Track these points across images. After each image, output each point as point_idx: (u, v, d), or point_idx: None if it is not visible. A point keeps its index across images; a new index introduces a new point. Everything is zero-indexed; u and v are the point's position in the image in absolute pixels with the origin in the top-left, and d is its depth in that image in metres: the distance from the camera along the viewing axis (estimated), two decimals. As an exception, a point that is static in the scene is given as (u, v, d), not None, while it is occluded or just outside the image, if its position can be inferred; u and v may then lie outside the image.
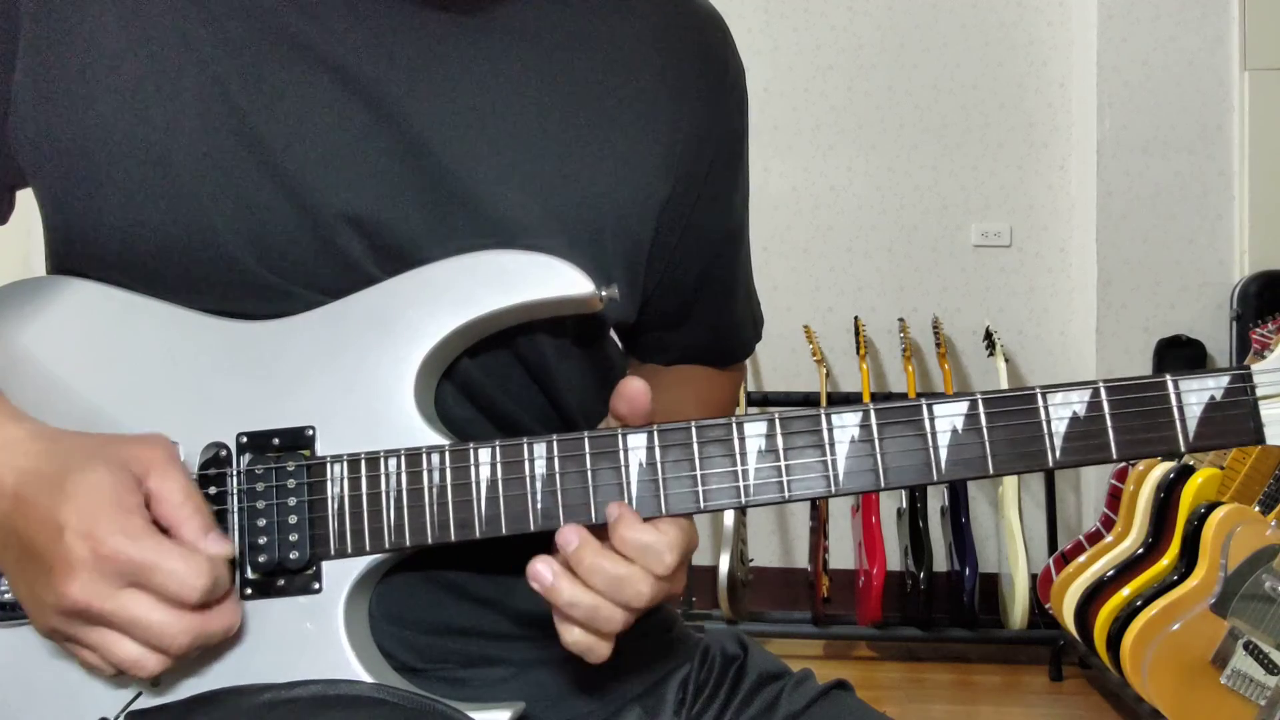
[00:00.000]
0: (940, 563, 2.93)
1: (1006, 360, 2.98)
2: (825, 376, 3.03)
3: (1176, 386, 0.60)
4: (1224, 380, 0.60)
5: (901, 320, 3.13)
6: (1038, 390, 0.60)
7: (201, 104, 0.64)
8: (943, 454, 0.59)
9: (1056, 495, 2.99)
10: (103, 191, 0.64)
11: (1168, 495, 2.18)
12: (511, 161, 0.67)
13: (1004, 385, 2.87)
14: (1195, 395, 0.59)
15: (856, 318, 3.16)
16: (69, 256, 0.69)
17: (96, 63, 0.64)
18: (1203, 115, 2.96)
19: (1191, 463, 2.29)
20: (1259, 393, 0.59)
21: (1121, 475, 2.40)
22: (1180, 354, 2.94)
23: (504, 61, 0.68)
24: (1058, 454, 0.60)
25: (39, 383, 0.65)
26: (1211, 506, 2.05)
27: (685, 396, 0.84)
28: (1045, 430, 0.60)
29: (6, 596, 0.61)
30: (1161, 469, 2.24)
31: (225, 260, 0.64)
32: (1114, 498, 2.41)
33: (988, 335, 3.04)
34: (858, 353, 3.09)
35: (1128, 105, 2.97)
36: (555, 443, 0.61)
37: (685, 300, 0.81)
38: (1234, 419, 0.60)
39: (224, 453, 0.63)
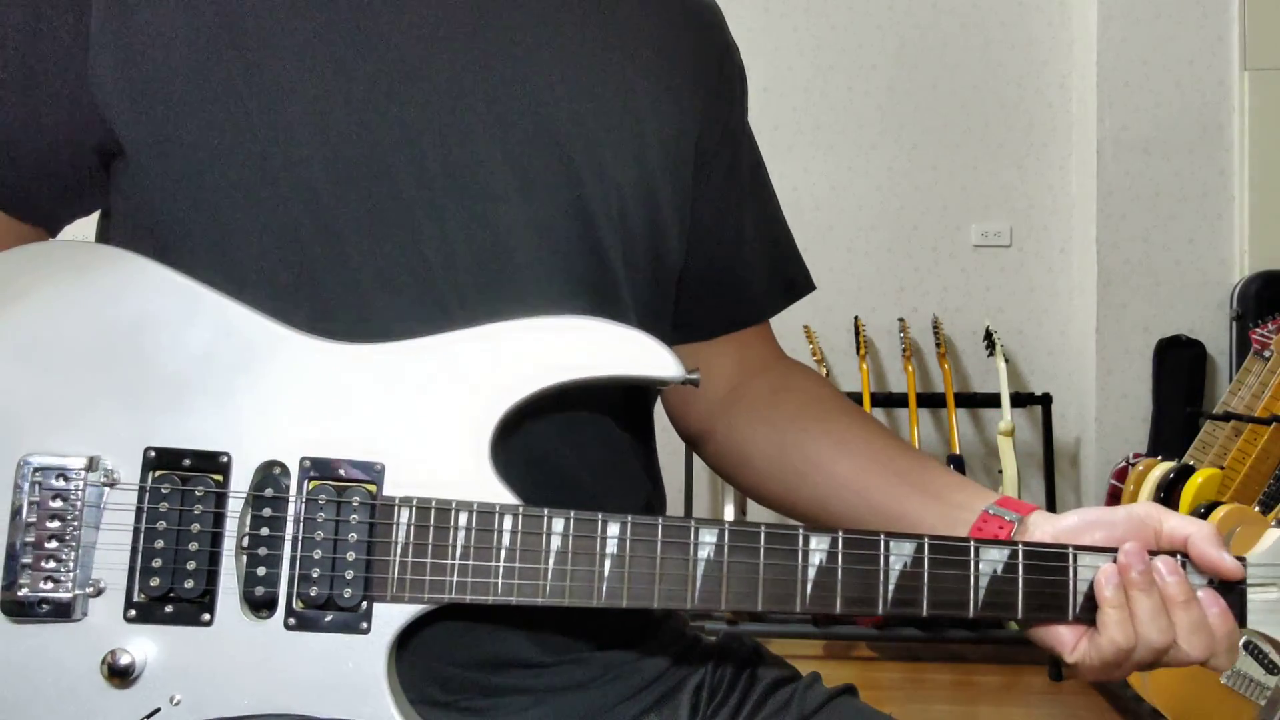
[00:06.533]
0: (940, 562, 2.92)
1: (1006, 360, 2.99)
2: (825, 377, 3.04)
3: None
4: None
5: (901, 320, 3.13)
6: (1070, 549, 0.64)
7: (317, 119, 0.64)
8: (981, 595, 0.63)
9: (1056, 495, 2.99)
10: (206, 192, 0.64)
11: (1168, 495, 2.18)
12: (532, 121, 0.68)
13: (1004, 385, 2.88)
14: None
15: (856, 318, 3.16)
16: (141, 241, 0.65)
17: (184, 61, 0.63)
18: (1203, 115, 2.97)
19: (1191, 462, 2.29)
20: (1249, 580, 0.63)
21: (1121, 475, 2.40)
22: (1180, 354, 2.94)
23: (525, 30, 0.69)
24: (1078, 610, 0.63)
25: (71, 358, 0.61)
26: (1211, 506, 2.05)
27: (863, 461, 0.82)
28: (1071, 588, 0.63)
29: (21, 593, 0.59)
30: (1161, 469, 2.24)
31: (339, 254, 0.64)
32: (1114, 498, 2.41)
33: (988, 335, 3.04)
34: (858, 353, 3.09)
35: (1128, 105, 2.98)
36: (629, 524, 0.62)
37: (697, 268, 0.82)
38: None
39: (278, 471, 0.61)
